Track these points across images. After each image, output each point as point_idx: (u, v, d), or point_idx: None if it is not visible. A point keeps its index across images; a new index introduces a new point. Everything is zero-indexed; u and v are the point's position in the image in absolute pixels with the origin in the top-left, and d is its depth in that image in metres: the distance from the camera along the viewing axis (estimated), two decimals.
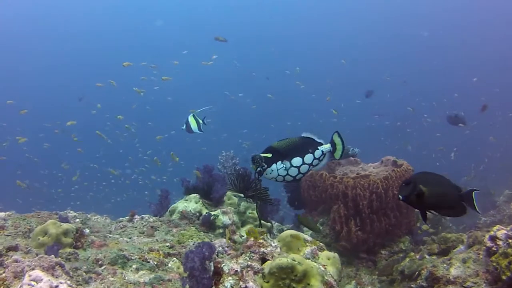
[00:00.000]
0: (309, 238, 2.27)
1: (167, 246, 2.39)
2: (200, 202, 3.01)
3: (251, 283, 1.85)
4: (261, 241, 2.06)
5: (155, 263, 2.15)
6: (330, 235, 3.34)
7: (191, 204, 2.98)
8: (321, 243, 2.26)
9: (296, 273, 1.85)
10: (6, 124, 11.83)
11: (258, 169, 2.65)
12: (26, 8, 21.26)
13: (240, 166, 3.33)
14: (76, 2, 21.62)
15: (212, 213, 2.91)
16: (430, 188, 1.86)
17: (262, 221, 3.02)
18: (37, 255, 1.81)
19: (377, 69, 19.12)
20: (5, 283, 1.60)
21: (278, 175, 2.87)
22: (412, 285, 2.63)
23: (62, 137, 8.97)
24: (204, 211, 2.94)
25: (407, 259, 2.92)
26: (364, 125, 16.01)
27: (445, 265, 2.42)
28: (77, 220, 2.82)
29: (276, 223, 3.71)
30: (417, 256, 2.90)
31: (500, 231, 2.14)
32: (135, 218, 2.85)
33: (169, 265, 2.20)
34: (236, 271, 1.90)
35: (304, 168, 2.91)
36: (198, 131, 4.73)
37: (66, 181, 10.62)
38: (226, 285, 1.85)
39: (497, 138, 10.41)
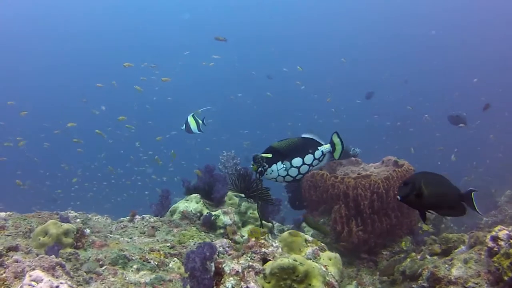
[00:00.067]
0: (310, 238, 2.27)
1: (168, 246, 2.39)
2: (201, 202, 3.00)
3: (252, 284, 1.84)
4: (263, 241, 2.06)
5: (156, 263, 2.14)
6: (331, 235, 3.33)
7: (192, 204, 2.97)
8: (322, 244, 2.26)
9: (297, 274, 1.85)
10: (6, 124, 11.81)
11: (259, 169, 2.65)
12: (26, 8, 21.26)
13: (241, 166, 3.33)
14: (76, 2, 21.62)
15: (213, 213, 2.90)
16: (429, 188, 1.86)
17: (263, 221, 3.02)
18: (37, 255, 1.80)
19: (377, 69, 19.14)
20: (5, 283, 1.60)
21: (278, 175, 2.87)
22: (413, 286, 2.63)
23: (62, 137, 8.97)
24: (205, 211, 2.93)
25: (408, 260, 2.91)
26: (365, 125, 16.01)
27: (446, 265, 2.41)
28: (78, 220, 2.81)
29: (277, 223, 3.70)
30: (418, 257, 2.89)
31: (502, 232, 2.13)
32: (136, 218, 2.85)
33: (170, 265, 2.19)
34: (237, 271, 1.90)
35: (304, 169, 2.91)
36: (198, 132, 4.72)
37: (66, 181, 10.62)
38: (227, 286, 1.85)
39: (498, 138, 10.42)
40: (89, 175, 11.75)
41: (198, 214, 2.92)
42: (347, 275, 3.15)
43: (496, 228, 2.16)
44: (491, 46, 20.00)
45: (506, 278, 2.00)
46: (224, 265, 1.93)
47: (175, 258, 2.26)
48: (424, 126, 13.26)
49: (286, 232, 2.27)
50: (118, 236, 2.53)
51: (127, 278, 1.95)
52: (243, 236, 2.93)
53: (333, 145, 3.04)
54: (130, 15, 22.96)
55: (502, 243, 2.09)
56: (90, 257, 2.04)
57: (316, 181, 3.49)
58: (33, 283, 1.46)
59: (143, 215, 2.91)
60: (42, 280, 1.48)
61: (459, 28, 20.73)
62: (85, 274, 1.89)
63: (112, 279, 1.91)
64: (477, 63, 18.82)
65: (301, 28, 22.89)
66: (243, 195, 3.22)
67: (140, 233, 2.64)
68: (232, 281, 1.86)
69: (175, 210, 2.98)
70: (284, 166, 2.77)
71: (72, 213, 2.96)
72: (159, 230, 2.68)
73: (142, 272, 2.03)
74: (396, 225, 3.30)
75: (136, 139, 11.77)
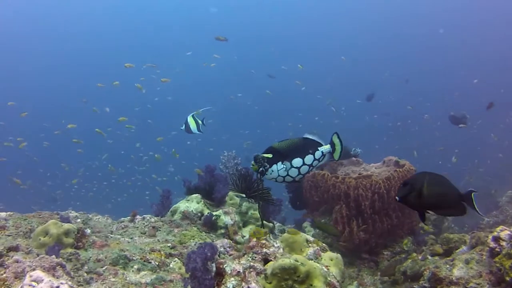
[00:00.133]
0: (312, 239, 2.26)
1: (169, 246, 2.38)
2: (202, 202, 3.00)
3: (253, 284, 1.84)
4: (264, 241, 2.05)
5: (157, 263, 2.14)
6: (332, 236, 3.32)
7: (192, 204, 2.97)
8: (323, 244, 2.25)
9: (299, 274, 1.84)
10: (6, 124, 11.82)
11: (261, 169, 2.64)
12: (26, 8, 21.26)
13: (242, 166, 3.32)
14: (76, 2, 21.62)
15: (214, 213, 2.90)
16: (429, 189, 1.85)
17: (264, 222, 3.01)
18: (38, 255, 1.79)
19: (377, 69, 19.13)
20: (5, 283, 1.59)
21: (279, 175, 2.86)
22: (414, 286, 2.62)
23: (63, 138, 8.97)
24: (206, 211, 2.93)
25: (410, 260, 2.91)
26: (365, 125, 16.01)
27: (447, 266, 2.41)
28: (79, 220, 2.80)
29: (278, 224, 3.70)
30: (420, 257, 2.89)
31: (504, 232, 2.13)
32: (136, 218, 2.84)
33: (171, 265, 2.19)
34: (239, 271, 1.89)
35: (304, 169, 2.91)
36: (197, 132, 4.71)
37: (66, 181, 10.62)
38: (228, 286, 1.84)
39: (498, 139, 10.41)
40: (89, 175, 11.75)
41: (199, 214, 2.92)
42: (348, 275, 3.15)
43: (498, 229, 2.16)
44: (491, 46, 20.00)
45: (508, 278, 2.00)
46: (225, 265, 1.92)
47: (176, 258, 2.25)
48: (424, 126, 13.26)
49: (286, 232, 2.26)
50: (118, 236, 2.53)
51: (127, 279, 1.94)
52: (244, 236, 2.92)
53: (333, 145, 3.04)
54: (130, 15, 22.96)
55: (504, 243, 2.09)
56: (90, 257, 2.04)
57: (317, 181, 3.49)
58: (33, 283, 1.46)
59: (144, 215, 2.91)
60: (42, 280, 1.47)
61: (459, 28, 20.73)
62: (85, 274, 1.89)
63: (113, 279, 1.91)
64: (477, 63, 18.83)
65: (301, 28, 22.89)
66: (244, 195, 3.22)
67: (141, 233, 2.63)
68: (233, 282, 1.86)
69: (176, 210, 2.97)
70: (284, 166, 2.76)
71: (73, 213, 2.95)
72: (160, 230, 2.67)
73: (143, 273, 2.02)
74: (397, 225, 3.29)
75: (137, 139, 11.78)
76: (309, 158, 2.86)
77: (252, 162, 2.74)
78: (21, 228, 2.31)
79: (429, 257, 2.83)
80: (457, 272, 2.31)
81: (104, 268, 1.97)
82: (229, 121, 16.74)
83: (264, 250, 2.01)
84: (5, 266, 1.68)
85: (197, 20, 22.48)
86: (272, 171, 2.85)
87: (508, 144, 11.02)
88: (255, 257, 1.98)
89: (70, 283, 1.57)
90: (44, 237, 2.07)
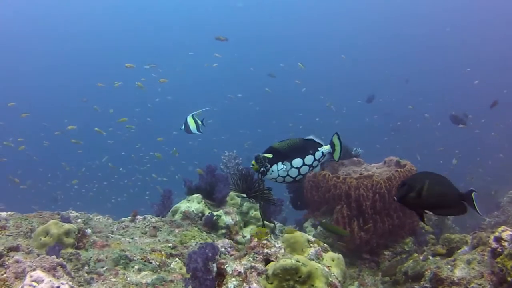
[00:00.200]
0: (313, 239, 2.25)
1: (170, 246, 2.38)
2: (203, 202, 2.99)
3: (255, 285, 1.83)
4: (265, 242, 2.04)
5: (158, 263, 2.13)
6: (333, 236, 3.32)
7: (193, 204, 2.96)
8: (325, 244, 2.25)
9: (300, 275, 1.83)
10: (6, 124, 11.82)
11: (262, 169, 2.64)
12: (26, 8, 21.25)
13: (243, 166, 3.31)
14: (76, 2, 21.62)
15: (215, 213, 2.89)
16: (428, 189, 1.84)
17: (265, 222, 3.00)
18: (38, 255, 1.79)
19: (378, 69, 19.14)
20: (6, 283, 1.59)
21: (279, 175, 2.85)
22: (415, 286, 2.62)
23: (63, 138, 8.97)
24: (207, 211, 2.92)
25: (411, 260, 2.90)
26: (366, 125, 16.01)
27: (449, 266, 2.40)
28: (79, 220, 2.80)
29: (279, 224, 3.69)
30: (421, 257, 2.88)
31: (505, 232, 2.12)
32: (137, 218, 2.84)
33: (172, 265, 2.18)
34: (240, 272, 1.88)
35: (304, 169, 2.90)
36: (197, 132, 4.70)
37: (67, 181, 10.62)
38: (229, 286, 1.83)
39: (499, 139, 10.41)
40: (90, 174, 11.75)
41: (200, 214, 2.91)
42: (349, 275, 3.14)
43: (500, 229, 2.15)
44: (491, 46, 20.00)
45: (509, 279, 1.99)
46: (226, 265, 1.91)
47: (177, 259, 2.25)
48: (425, 125, 13.26)
49: (289, 233, 2.25)
50: (119, 236, 2.52)
51: (128, 279, 1.94)
52: (245, 237, 2.91)
53: (333, 146, 3.04)
54: (130, 15, 22.96)
55: (505, 243, 2.08)
56: (91, 257, 2.03)
57: (318, 181, 3.49)
58: (34, 283, 1.45)
59: (145, 215, 2.90)
60: (43, 280, 1.47)
61: (459, 28, 20.73)
62: (86, 274, 1.88)
63: (114, 279, 1.90)
64: (478, 63, 18.81)
65: (301, 28, 22.89)
66: (245, 195, 3.21)
67: (142, 233, 2.63)
68: (234, 282, 1.85)
69: (176, 210, 2.97)
70: (284, 166, 2.75)
71: (73, 213, 2.95)
72: (160, 230, 2.67)
73: (143, 273, 2.02)
74: (398, 226, 3.29)
75: (137, 139, 11.78)
76: (309, 159, 2.85)
77: (253, 162, 2.73)
78: (22, 228, 2.30)
79: (431, 258, 2.83)
80: (458, 273, 2.31)
81: (104, 268, 1.97)
82: (229, 121, 16.74)
83: (266, 250, 2.00)
84: (6, 266, 1.68)
85: (197, 20, 22.48)
86: (272, 171, 2.84)
87: (508, 145, 11.01)
88: (256, 258, 1.97)
89: (70, 283, 1.57)
90: (45, 237, 2.07)
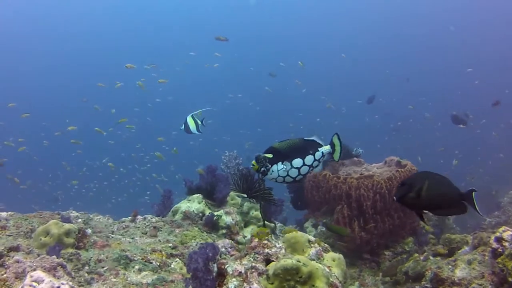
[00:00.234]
0: (313, 239, 2.25)
1: (170, 246, 2.37)
2: (203, 202, 2.99)
3: (255, 285, 1.83)
4: (266, 242, 2.04)
5: (158, 264, 2.13)
6: (334, 236, 3.32)
7: (194, 204, 2.96)
8: (325, 244, 2.24)
9: (301, 275, 1.83)
10: (6, 124, 11.82)
11: (262, 169, 2.63)
12: (26, 8, 21.25)
13: (243, 166, 3.31)
14: (76, 2, 21.62)
15: (215, 213, 2.89)
16: (428, 189, 1.83)
17: (266, 222, 3.00)
18: (38, 255, 1.79)
19: (378, 69, 19.14)
20: (6, 283, 1.58)
21: (279, 176, 2.84)
22: (416, 287, 2.61)
23: (64, 138, 8.97)
24: (207, 211, 2.92)
25: (411, 260, 2.90)
26: (367, 125, 16.00)
27: (450, 266, 2.40)
28: (79, 220, 2.80)
29: (279, 224, 3.69)
30: (421, 257, 2.88)
31: (506, 233, 2.11)
32: (137, 218, 2.83)
33: (172, 266, 2.18)
34: (240, 272, 1.88)
35: (304, 170, 2.89)
36: (197, 132, 4.70)
37: (67, 181, 10.61)
38: (230, 287, 1.83)
39: (500, 139, 10.40)
40: (90, 174, 11.74)
41: (200, 214, 2.91)
42: (349, 275, 3.14)
43: (501, 229, 2.14)
44: (491, 46, 20.00)
45: (510, 279, 1.99)
46: (227, 266, 1.91)
47: (177, 259, 2.24)
48: (425, 125, 13.25)
49: (289, 233, 2.25)
50: (119, 236, 2.52)
51: (128, 279, 1.93)
52: (246, 237, 2.91)
53: (333, 146, 3.03)
54: (130, 15, 22.96)
55: (506, 244, 2.08)
56: (91, 257, 2.03)
57: (318, 181, 3.48)
58: (34, 283, 1.45)
59: (145, 215, 2.90)
60: (43, 280, 1.47)
61: (460, 28, 20.72)
62: (86, 274, 1.88)
63: (114, 279, 1.90)
64: (478, 63, 18.81)
65: (301, 28, 22.88)
66: (245, 195, 3.21)
67: (142, 233, 2.62)
68: (235, 282, 1.84)
69: (177, 210, 2.96)
70: (284, 166, 2.74)
71: (74, 213, 2.95)
72: (161, 231, 2.66)
73: (144, 273, 2.02)
74: (398, 226, 3.28)
75: (137, 140, 11.77)
76: (309, 159, 2.84)
77: (253, 162, 2.73)
78: (22, 228, 2.30)
79: (431, 258, 2.82)
80: (459, 273, 2.30)
81: (105, 269, 1.96)
82: (230, 121, 16.74)
83: (266, 250, 2.00)
84: (6, 267, 1.67)
85: (197, 20, 22.48)
86: (272, 171, 2.84)
87: (509, 145, 11.00)
88: (257, 258, 1.97)
89: (71, 283, 1.57)
90: (45, 237, 2.06)
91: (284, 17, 23.26)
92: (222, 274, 1.90)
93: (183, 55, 14.57)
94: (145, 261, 2.11)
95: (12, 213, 2.58)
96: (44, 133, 12.01)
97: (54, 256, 1.72)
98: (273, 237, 2.12)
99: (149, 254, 2.19)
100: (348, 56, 15.52)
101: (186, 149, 13.30)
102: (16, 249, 1.87)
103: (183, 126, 4.68)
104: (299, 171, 2.89)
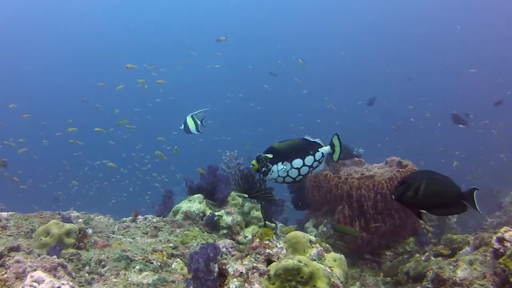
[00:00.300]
0: (314, 239, 2.24)
1: (171, 246, 2.37)
2: (204, 202, 2.99)
3: (256, 285, 1.82)
4: (267, 242, 2.03)
5: (159, 264, 2.13)
6: (334, 236, 3.31)
7: (194, 204, 2.96)
8: (327, 244, 2.23)
9: (302, 275, 1.82)
10: (6, 124, 11.81)
11: (263, 169, 2.63)
12: (26, 8, 21.25)
13: (244, 166, 3.31)
14: (76, 2, 21.63)
15: (216, 213, 2.89)
16: (426, 188, 1.82)
17: (267, 222, 3.00)
18: (39, 255, 1.78)
19: (378, 69, 19.13)
20: (6, 284, 1.58)
21: (278, 176, 2.84)
22: (417, 287, 2.61)
23: (64, 139, 8.96)
24: (208, 212, 2.92)
25: (412, 260, 2.89)
26: (367, 125, 15.99)
27: (451, 266, 2.39)
28: (80, 220, 2.79)
29: (280, 224, 3.69)
30: (423, 258, 2.87)
31: (508, 233, 2.11)
32: (138, 218, 2.83)
33: (173, 266, 2.18)
34: (241, 272, 1.87)
35: (304, 170, 2.89)
36: (196, 132, 4.70)
37: (68, 181, 10.61)
38: (231, 287, 1.82)
39: (500, 139, 10.38)
40: (91, 174, 11.74)
41: (201, 214, 2.91)
42: (350, 276, 3.13)
43: (502, 229, 2.14)
44: (491, 46, 19.99)
45: None
46: (228, 266, 1.90)
47: (178, 259, 2.24)
48: (426, 125, 13.23)
49: (290, 233, 2.24)
50: (120, 236, 2.51)
51: (129, 279, 1.93)
52: (247, 237, 2.91)
53: (332, 147, 3.04)
54: (130, 15, 22.96)
55: (508, 244, 2.07)
56: (92, 257, 2.03)
57: (319, 181, 3.48)
58: (34, 283, 1.45)
59: (146, 215, 2.90)
60: (43, 280, 1.46)
61: (460, 28, 20.72)
62: (87, 274, 1.87)
63: (114, 280, 1.90)
64: (478, 63, 18.80)
65: (301, 28, 22.88)
66: (246, 196, 3.20)
67: (143, 233, 2.62)
68: (236, 283, 1.84)
69: (178, 210, 2.96)
70: (284, 167, 2.74)
71: (74, 213, 2.94)
72: (161, 231, 2.66)
73: (144, 273, 2.01)
74: (400, 226, 3.28)
75: (138, 139, 11.76)
76: (309, 159, 2.83)
77: (253, 161, 2.72)
78: (23, 228, 2.29)
79: (432, 258, 2.82)
80: (460, 273, 2.30)
81: (105, 269, 1.96)
82: (230, 121, 16.74)
83: (267, 250, 1.99)
84: (6, 267, 1.67)
85: (197, 20, 22.48)
86: (272, 171, 2.84)
87: (509, 145, 10.99)
88: (258, 258, 1.96)
89: (71, 283, 1.56)
90: (46, 237, 2.06)
91: (284, 17, 23.26)
92: (223, 275, 1.90)
93: (183, 55, 14.57)
94: (146, 261, 2.10)
95: (13, 213, 2.57)
96: (43, 133, 12.01)
97: (55, 256, 1.72)
98: (274, 237, 2.12)
99: (150, 254, 2.18)
100: (348, 56, 15.53)
101: (187, 149, 13.31)
102: (16, 249, 1.87)
103: (182, 126, 4.67)
104: (299, 171, 2.89)
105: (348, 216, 3.23)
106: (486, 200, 5.44)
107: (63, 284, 1.49)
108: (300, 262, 1.85)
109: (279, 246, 2.04)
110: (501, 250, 2.09)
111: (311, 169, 2.98)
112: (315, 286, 1.84)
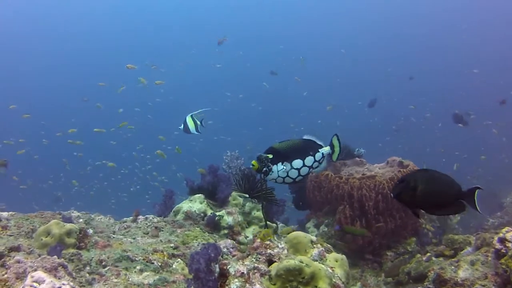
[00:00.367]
0: (316, 239, 2.24)
1: (172, 247, 2.36)
2: (205, 202, 2.98)
3: (258, 285, 1.81)
4: (268, 242, 2.03)
5: (160, 264, 2.12)
6: (335, 236, 3.31)
7: (195, 204, 2.95)
8: (328, 245, 2.23)
9: (303, 275, 1.82)
10: (6, 124, 11.82)
11: (264, 169, 2.62)
12: (26, 8, 21.25)
13: (245, 166, 3.30)
14: (76, 2, 21.62)
15: (217, 213, 2.88)
16: (424, 186, 1.81)
17: (268, 222, 2.99)
18: (39, 255, 1.78)
19: (378, 69, 19.13)
20: (7, 284, 1.57)
21: (278, 176, 2.84)
22: (418, 287, 2.60)
23: (64, 139, 8.97)
24: (209, 212, 2.91)
25: (414, 261, 2.89)
26: (368, 125, 15.98)
27: (452, 267, 2.38)
28: (81, 220, 2.78)
29: (281, 224, 3.68)
30: (424, 258, 2.87)
31: (510, 233, 2.10)
32: (139, 219, 2.82)
33: (174, 266, 2.17)
34: (243, 273, 1.87)
35: (304, 170, 2.89)
36: (196, 132, 4.69)
37: (68, 180, 10.61)
38: (232, 287, 1.82)
39: (501, 139, 10.38)
40: (91, 174, 11.73)
41: (202, 214, 2.90)
42: (351, 276, 3.12)
43: (504, 230, 2.13)
44: (491, 46, 19.99)
45: None
46: (229, 266, 1.90)
47: (179, 259, 2.23)
48: (426, 125, 13.23)
49: (291, 233, 2.24)
50: (121, 236, 2.51)
51: (130, 279, 1.92)
52: (247, 237, 2.90)
53: (332, 147, 3.03)
54: (130, 15, 22.96)
55: (509, 244, 2.07)
56: (92, 257, 2.02)
57: (320, 181, 3.47)
58: (35, 284, 1.44)
59: (147, 215, 2.89)
60: (44, 281, 1.46)
61: (460, 28, 20.73)
62: (87, 275, 1.87)
63: (115, 280, 1.89)
64: (478, 63, 18.80)
65: (301, 28, 22.88)
66: (247, 196, 3.20)
67: (144, 233, 2.61)
68: (237, 283, 1.83)
69: (178, 210, 2.95)
70: (284, 167, 2.73)
71: (75, 213, 2.94)
72: (162, 231, 2.65)
73: (145, 273, 2.00)
74: (401, 226, 3.27)
75: (138, 139, 11.75)
76: (309, 160, 2.83)
77: (253, 161, 2.72)
78: (23, 228, 2.29)
79: (434, 258, 2.81)
80: (462, 274, 2.29)
81: (106, 269, 1.95)
82: (230, 121, 16.73)
83: (268, 251, 1.99)
84: (7, 267, 1.66)
85: (197, 20, 22.48)
86: (272, 171, 2.84)
87: (510, 145, 10.98)
88: (259, 258, 1.96)
89: (72, 283, 1.56)
90: (46, 237, 2.05)
91: (284, 17, 23.26)
92: (224, 275, 1.89)
93: (183, 55, 14.58)
94: (147, 262, 2.10)
95: (13, 213, 2.57)
96: (44, 132, 12.01)
97: (55, 256, 1.71)
98: (275, 238, 2.11)
99: (150, 254, 2.18)
100: (349, 56, 15.50)
101: (188, 149, 13.29)
102: (17, 249, 1.86)
103: (182, 126, 4.67)
104: (299, 172, 2.89)
105: (349, 216, 3.23)
106: (487, 201, 5.44)
107: (63, 284, 1.49)
108: (302, 262, 1.84)
109: (280, 246, 2.03)
110: (502, 251, 2.09)
111: (311, 169, 2.97)
112: (316, 287, 1.83)
